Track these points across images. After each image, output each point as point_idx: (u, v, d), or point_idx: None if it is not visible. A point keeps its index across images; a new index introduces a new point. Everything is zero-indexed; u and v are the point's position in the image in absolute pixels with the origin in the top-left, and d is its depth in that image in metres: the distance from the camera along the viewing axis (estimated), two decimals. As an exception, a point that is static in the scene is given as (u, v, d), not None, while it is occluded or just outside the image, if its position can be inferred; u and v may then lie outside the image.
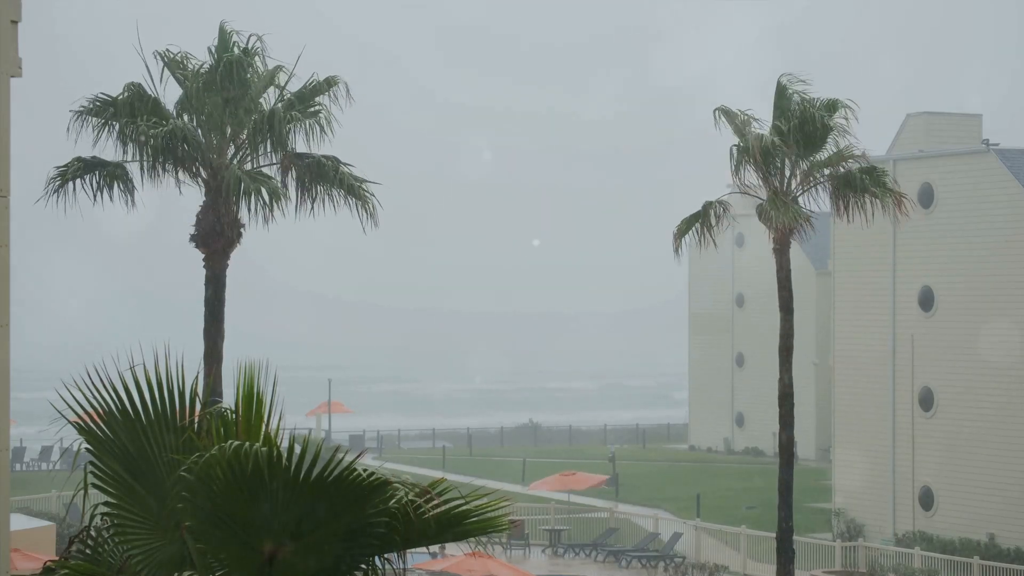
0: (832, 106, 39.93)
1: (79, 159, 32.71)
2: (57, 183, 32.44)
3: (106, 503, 10.76)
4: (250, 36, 33.45)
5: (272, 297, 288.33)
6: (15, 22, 14.55)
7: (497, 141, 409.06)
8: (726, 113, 40.26)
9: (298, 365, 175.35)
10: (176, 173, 33.08)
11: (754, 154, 39.02)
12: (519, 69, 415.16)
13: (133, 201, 33.05)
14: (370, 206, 33.38)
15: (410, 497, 10.36)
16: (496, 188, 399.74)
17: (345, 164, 33.61)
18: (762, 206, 39.56)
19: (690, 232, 40.42)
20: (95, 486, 10.73)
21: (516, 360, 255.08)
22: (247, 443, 10.19)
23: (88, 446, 10.77)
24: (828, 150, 39.95)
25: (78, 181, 32.72)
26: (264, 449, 10.15)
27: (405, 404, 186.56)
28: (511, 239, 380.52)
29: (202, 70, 33.26)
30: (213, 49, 33.40)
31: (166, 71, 33.31)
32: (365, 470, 10.25)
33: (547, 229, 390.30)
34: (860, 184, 39.80)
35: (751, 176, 40.05)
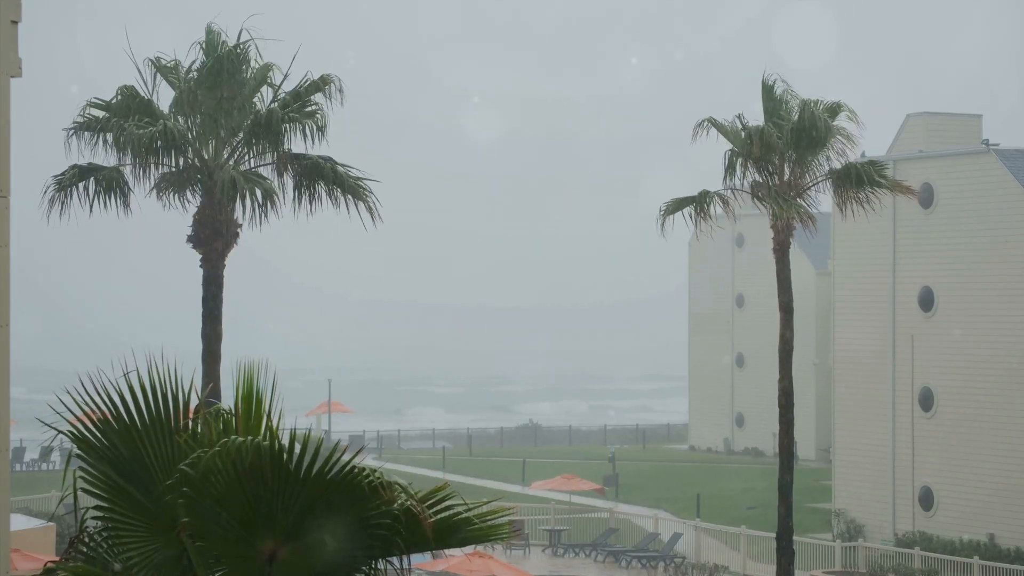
0: (834, 109, 39.92)
1: (75, 167, 32.81)
2: (54, 191, 32.57)
3: (97, 507, 10.76)
4: (241, 31, 33.35)
5: (283, 296, 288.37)
6: (15, 22, 14.54)
7: (506, 130, 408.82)
8: (715, 124, 40.16)
9: (305, 368, 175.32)
10: (171, 173, 33.11)
11: (755, 147, 38.96)
12: (526, 57, 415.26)
13: (128, 206, 33.06)
14: (370, 203, 33.34)
15: (411, 503, 10.36)
16: (505, 179, 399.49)
17: (343, 165, 33.57)
18: (767, 201, 39.55)
19: (685, 224, 40.41)
20: (85, 491, 10.73)
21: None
22: (248, 437, 10.20)
23: (79, 452, 10.77)
24: (828, 152, 39.93)
25: (76, 188, 32.82)
26: (265, 443, 10.15)
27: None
28: (519, 232, 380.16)
29: (194, 67, 33.24)
30: (202, 45, 33.34)
31: (159, 76, 33.35)
32: (364, 469, 10.25)
33: (559, 219, 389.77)
34: (861, 177, 39.70)
35: (750, 174, 40.04)
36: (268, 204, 33.13)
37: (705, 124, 40.12)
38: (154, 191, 33.26)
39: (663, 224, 40.10)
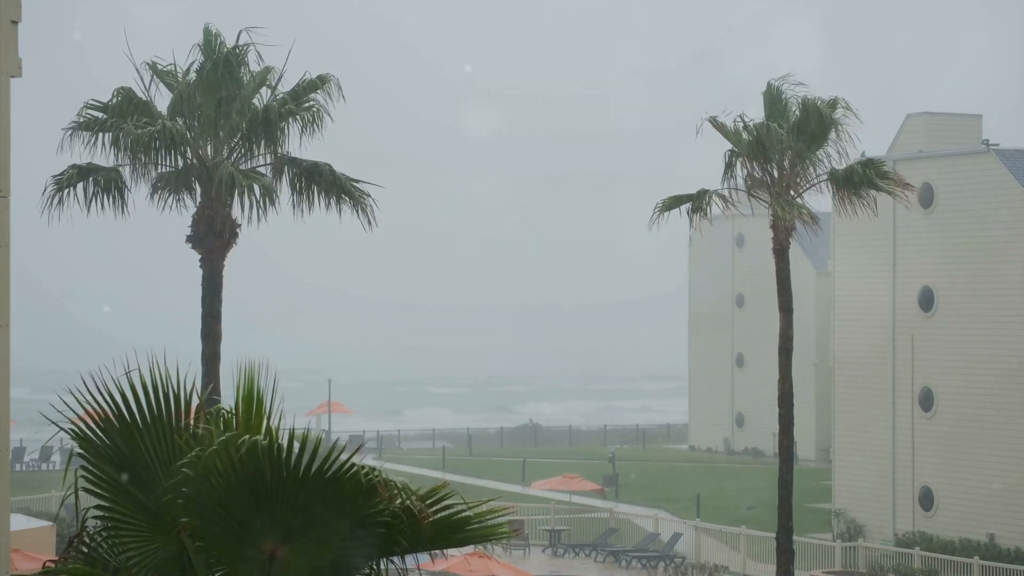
0: (832, 104, 39.98)
1: (74, 167, 32.81)
2: (53, 191, 32.57)
3: (98, 507, 10.77)
4: (240, 32, 33.36)
5: (284, 294, 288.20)
6: (15, 22, 14.55)
7: (509, 128, 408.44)
8: (715, 124, 40.14)
9: (306, 368, 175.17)
10: (171, 173, 33.12)
11: (763, 142, 38.92)
12: (527, 54, 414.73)
13: (125, 206, 33.04)
14: (368, 208, 33.37)
15: (412, 500, 10.36)
16: (505, 177, 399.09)
17: (340, 174, 33.63)
18: (768, 202, 39.56)
19: (681, 221, 40.40)
20: (86, 490, 10.74)
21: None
22: (247, 436, 10.20)
23: (81, 451, 10.78)
24: (829, 147, 39.96)
25: (75, 188, 32.81)
26: (264, 442, 10.16)
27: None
28: (518, 230, 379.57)
29: (193, 69, 33.27)
30: (200, 47, 33.36)
31: (157, 79, 33.39)
32: (363, 467, 10.25)
33: (559, 218, 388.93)
34: (861, 178, 39.73)
35: (751, 173, 40.03)
36: (267, 201, 33.14)
37: (707, 123, 40.11)
38: (153, 192, 33.26)
39: (657, 219, 40.11)
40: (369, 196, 33.36)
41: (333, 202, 33.40)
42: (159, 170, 33.07)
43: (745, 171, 39.99)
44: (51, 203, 32.58)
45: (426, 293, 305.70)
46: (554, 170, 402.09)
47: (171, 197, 33.44)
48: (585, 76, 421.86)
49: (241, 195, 32.82)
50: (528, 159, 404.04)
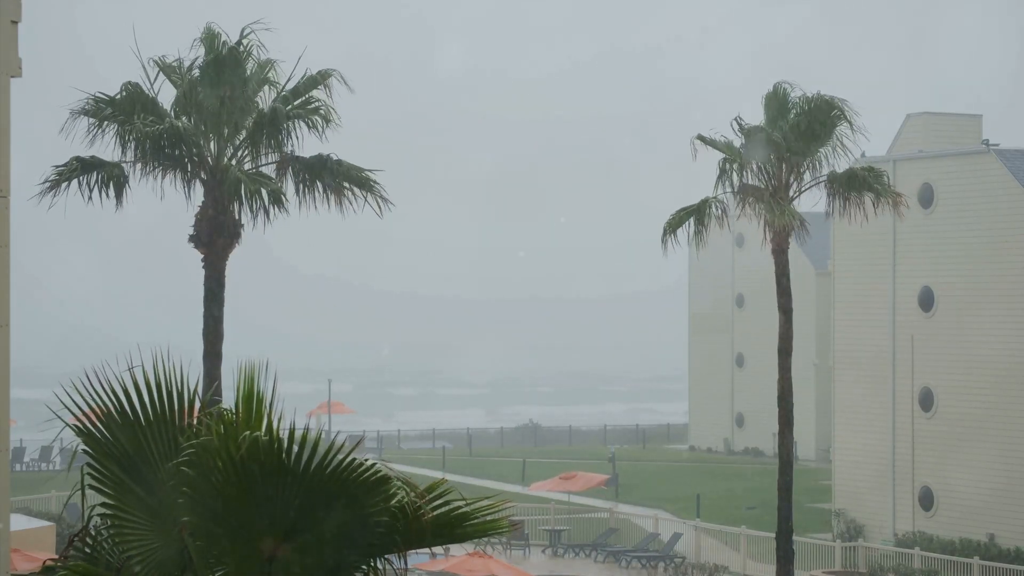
0: (832, 106, 39.98)
1: (77, 158, 32.59)
2: (53, 180, 32.30)
3: (103, 504, 10.78)
4: (243, 28, 33.33)
5: (287, 291, 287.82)
6: (15, 22, 14.56)
7: (512, 121, 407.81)
8: (704, 139, 40.13)
9: (308, 368, 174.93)
10: (174, 172, 33.06)
11: (759, 146, 38.97)
12: (519, 38, 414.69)
13: (121, 202, 32.93)
14: (378, 193, 33.37)
15: (411, 497, 10.36)
16: (511, 169, 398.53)
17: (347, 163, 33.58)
18: (760, 207, 39.55)
19: (685, 229, 40.30)
20: (92, 487, 10.75)
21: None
22: (247, 432, 10.21)
23: (86, 448, 10.79)
24: (830, 146, 39.99)
25: (76, 181, 32.65)
26: (265, 439, 10.16)
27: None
28: (515, 224, 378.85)
29: (196, 64, 33.21)
30: (201, 42, 33.31)
31: (162, 75, 33.29)
32: (363, 464, 10.25)
33: (573, 208, 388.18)
34: (862, 182, 39.80)
35: (748, 177, 40.06)
36: (275, 206, 33.05)
37: (694, 142, 40.16)
38: (156, 190, 33.19)
39: (668, 240, 40.03)
40: (377, 183, 33.36)
41: (342, 193, 33.34)
42: (163, 168, 32.93)
43: (741, 176, 40.00)
44: (49, 190, 32.27)
45: (430, 288, 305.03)
46: (550, 162, 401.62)
47: (175, 189, 33.34)
48: (581, 62, 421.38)
49: (249, 200, 32.75)
50: (526, 149, 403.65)
